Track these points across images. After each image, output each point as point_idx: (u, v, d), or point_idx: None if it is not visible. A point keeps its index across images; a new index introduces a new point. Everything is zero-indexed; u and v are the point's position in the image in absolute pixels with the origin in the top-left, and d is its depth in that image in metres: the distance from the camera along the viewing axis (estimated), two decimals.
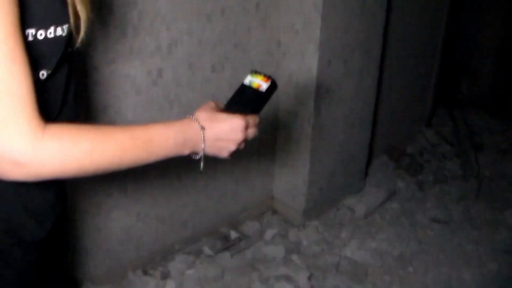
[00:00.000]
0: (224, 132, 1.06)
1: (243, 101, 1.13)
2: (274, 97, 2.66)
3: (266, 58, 2.45)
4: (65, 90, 1.01)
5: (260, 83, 1.14)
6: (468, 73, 4.74)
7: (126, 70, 1.95)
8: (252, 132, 1.11)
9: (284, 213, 2.78)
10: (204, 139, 1.04)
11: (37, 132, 0.81)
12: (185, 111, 2.17)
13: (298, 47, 2.43)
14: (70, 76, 1.02)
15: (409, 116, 3.65)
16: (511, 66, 4.57)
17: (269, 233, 2.64)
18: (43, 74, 0.92)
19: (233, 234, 2.58)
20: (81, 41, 0.95)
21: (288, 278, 2.36)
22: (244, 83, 1.15)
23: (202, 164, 1.08)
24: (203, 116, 1.05)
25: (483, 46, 4.56)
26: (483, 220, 2.92)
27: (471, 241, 2.74)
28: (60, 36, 0.89)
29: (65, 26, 0.89)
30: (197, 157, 1.07)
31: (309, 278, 2.38)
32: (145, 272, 2.29)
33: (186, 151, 1.03)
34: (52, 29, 0.87)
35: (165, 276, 2.30)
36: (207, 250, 2.46)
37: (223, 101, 1.17)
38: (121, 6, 1.85)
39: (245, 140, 1.10)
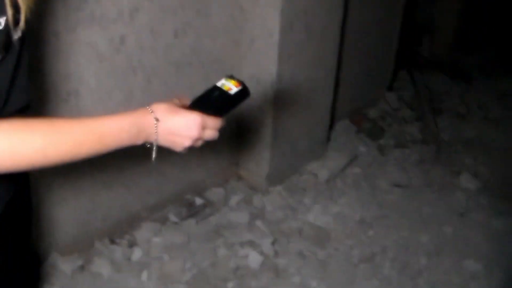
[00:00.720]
0: (178, 126, 1.09)
1: (209, 101, 1.16)
2: (237, 62, 2.75)
3: (229, 24, 2.53)
4: (12, 79, 1.00)
5: (231, 86, 1.17)
6: (429, 36, 4.92)
7: (88, 37, 1.99)
8: (209, 133, 1.14)
9: (248, 179, 2.91)
10: (157, 131, 1.07)
11: None
12: (148, 78, 2.26)
13: (260, 12, 2.51)
14: (19, 62, 1.01)
15: (371, 80, 3.81)
16: (470, 31, 4.78)
17: (233, 199, 2.77)
18: None
19: (198, 201, 2.70)
20: (21, 32, 0.94)
21: (252, 244, 2.51)
22: (216, 85, 1.18)
23: (154, 154, 1.12)
24: (160, 108, 1.08)
25: (444, 9, 4.72)
26: (440, 183, 3.13)
27: (429, 204, 2.95)
28: None
29: (2, 19, 0.88)
30: (150, 146, 1.11)
31: (273, 243, 2.53)
32: (112, 241, 2.39)
33: (139, 142, 1.07)
34: None
35: (131, 244, 2.40)
36: (172, 217, 2.58)
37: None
38: None
39: (201, 139, 1.13)
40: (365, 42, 3.52)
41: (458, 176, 3.19)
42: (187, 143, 1.12)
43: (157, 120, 1.06)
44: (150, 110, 1.07)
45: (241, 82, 1.18)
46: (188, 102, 1.17)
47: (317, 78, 2.87)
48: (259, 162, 2.85)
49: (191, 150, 1.15)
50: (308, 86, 2.83)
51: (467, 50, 4.88)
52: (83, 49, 2.00)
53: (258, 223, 2.65)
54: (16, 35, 0.93)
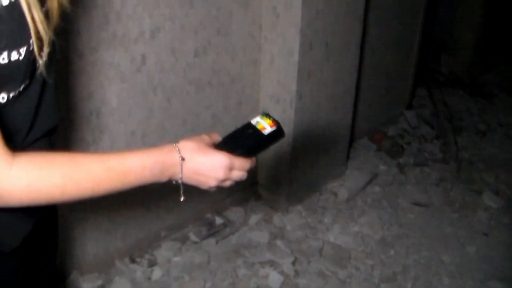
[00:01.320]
0: (204, 167, 1.06)
1: (241, 139, 1.13)
2: (256, 81, 2.77)
3: (248, 42, 2.55)
4: (37, 105, 1.00)
5: (265, 126, 1.13)
6: (448, 53, 4.91)
7: (110, 57, 2.03)
8: (237, 174, 1.10)
9: (268, 198, 2.91)
10: (182, 170, 1.05)
11: (3, 165, 0.84)
12: (168, 97, 2.28)
13: (279, 31, 2.54)
14: (45, 87, 1.01)
15: (390, 98, 3.81)
16: (489, 47, 4.77)
17: (253, 219, 2.77)
18: (3, 97, 0.91)
19: (218, 220, 2.70)
20: (44, 65, 0.93)
21: (272, 263, 2.50)
22: (250, 122, 1.14)
23: (181, 193, 1.11)
24: (187, 146, 1.06)
25: (462, 27, 4.72)
26: (461, 202, 3.10)
27: (450, 223, 2.92)
28: (16, 60, 0.87)
29: (23, 49, 0.87)
30: (176, 184, 1.08)
31: (293, 263, 2.52)
32: (132, 260, 2.40)
33: (164, 179, 1.05)
34: (4, 54, 0.85)
35: (152, 263, 2.41)
36: (192, 236, 2.58)
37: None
38: None
39: (228, 180, 1.10)
40: (384, 60, 3.53)
41: (480, 195, 3.16)
42: (213, 183, 1.09)
43: (182, 159, 1.04)
44: (177, 148, 1.05)
45: (276, 122, 1.14)
46: (219, 138, 1.15)
47: (336, 97, 2.88)
48: (278, 181, 2.85)
49: (220, 189, 1.13)
50: (328, 104, 2.84)
51: (487, 67, 4.86)
52: (105, 69, 2.04)
53: (278, 242, 2.64)
54: (41, 61, 0.93)
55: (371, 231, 2.80)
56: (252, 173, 2.85)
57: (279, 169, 2.82)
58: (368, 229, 2.81)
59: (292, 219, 2.81)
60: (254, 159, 1.14)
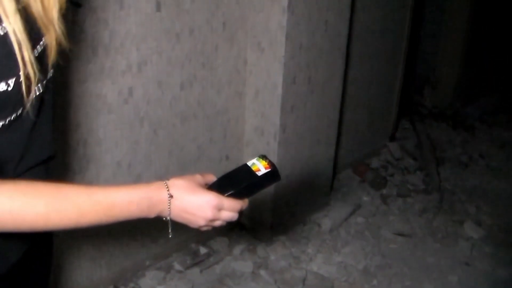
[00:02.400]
0: (192, 205, 1.07)
1: (234, 180, 1.13)
2: (241, 114, 2.83)
3: (233, 76, 2.63)
4: (30, 135, 1.01)
5: (260, 167, 1.13)
6: (431, 87, 5.03)
7: (97, 89, 2.09)
8: (227, 215, 1.11)
9: (252, 228, 2.95)
10: (170, 208, 1.05)
11: None
12: (154, 129, 2.34)
13: (264, 65, 2.62)
14: (40, 117, 1.02)
15: (373, 130, 3.89)
16: (471, 80, 4.89)
17: (237, 249, 2.81)
18: None
19: (202, 250, 2.73)
20: (31, 105, 0.94)
21: None
22: (246, 163, 1.15)
23: (169, 230, 1.11)
24: (177, 184, 1.07)
25: (445, 62, 4.85)
26: (444, 232, 3.16)
27: (433, 253, 2.97)
28: (5, 91, 0.87)
29: (11, 80, 0.87)
30: (166, 220, 1.09)
31: None
32: None
33: (152, 215, 1.05)
34: None
35: None
36: (177, 265, 2.61)
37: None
38: (92, 26, 1.99)
39: (218, 221, 1.11)
40: (367, 93, 3.62)
41: (462, 225, 3.22)
42: (201, 222, 1.09)
43: (171, 196, 1.05)
44: (166, 185, 1.05)
45: (271, 164, 1.14)
46: (213, 179, 1.15)
47: (320, 129, 2.95)
48: (262, 212, 2.90)
49: (213, 229, 1.14)
50: (311, 137, 2.90)
51: (468, 100, 4.98)
52: (92, 101, 2.09)
53: (262, 272, 2.67)
54: (28, 100, 0.93)
55: (354, 261, 2.84)
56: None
57: (263, 199, 2.87)
58: (351, 259, 2.85)
59: (275, 249, 2.84)
60: (246, 200, 1.14)
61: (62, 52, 0.98)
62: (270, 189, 2.80)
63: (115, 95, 2.16)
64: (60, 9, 0.95)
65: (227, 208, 1.10)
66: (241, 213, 1.14)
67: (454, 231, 3.18)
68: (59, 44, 0.96)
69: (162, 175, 2.38)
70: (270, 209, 2.86)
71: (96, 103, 2.11)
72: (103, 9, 2.00)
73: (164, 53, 2.28)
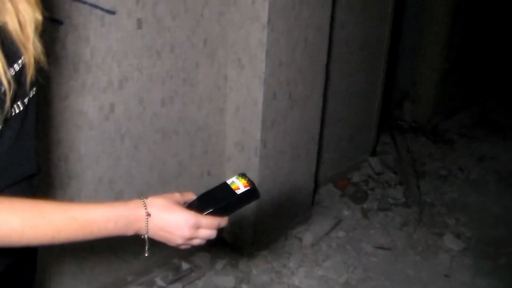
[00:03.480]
0: (169, 224, 1.08)
1: (213, 199, 1.14)
2: (222, 129, 2.85)
3: (214, 92, 2.67)
4: (11, 151, 1.03)
5: (239, 186, 1.14)
6: (411, 101, 5.10)
7: (79, 106, 2.12)
8: (205, 233, 1.11)
9: (234, 243, 2.97)
10: (147, 226, 1.06)
11: None
12: (135, 145, 2.36)
13: (244, 82, 2.66)
14: (21, 133, 1.04)
15: (354, 144, 3.94)
16: (450, 94, 4.98)
17: (219, 264, 2.82)
18: None
19: (185, 265, 2.75)
20: (22, 106, 0.99)
21: None
22: (226, 182, 1.16)
23: (146, 249, 1.11)
24: (155, 202, 1.08)
25: (424, 76, 4.93)
26: (424, 245, 3.21)
27: (413, 266, 3.02)
28: None
29: None
30: (144, 239, 1.09)
31: None
32: None
33: (129, 233, 1.06)
34: None
35: None
36: (159, 281, 2.62)
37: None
38: (73, 43, 2.02)
39: (197, 239, 1.11)
40: (347, 108, 3.67)
41: (441, 238, 3.27)
42: (179, 241, 1.10)
43: (148, 215, 1.06)
44: (144, 203, 1.07)
45: (251, 183, 1.15)
46: (192, 197, 1.16)
47: (300, 144, 2.99)
48: (244, 227, 2.92)
49: (194, 247, 1.15)
50: (292, 152, 2.94)
51: (447, 115, 5.06)
52: (74, 117, 2.11)
53: (244, 287, 2.69)
54: (13, 110, 0.97)
55: (335, 275, 2.87)
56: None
57: (245, 214, 2.89)
58: (333, 273, 2.89)
59: (257, 264, 2.87)
60: (226, 218, 1.15)
61: (41, 70, 1.02)
62: (251, 204, 2.81)
63: (96, 111, 2.18)
64: (36, 28, 0.99)
65: (205, 226, 1.10)
66: (220, 230, 1.16)
67: (434, 243, 3.23)
68: (37, 62, 0.99)
69: (144, 191, 2.40)
70: (251, 223, 2.88)
71: (77, 119, 2.13)
72: (85, 26, 2.04)
73: (145, 70, 2.31)
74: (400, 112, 5.14)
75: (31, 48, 0.97)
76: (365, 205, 3.58)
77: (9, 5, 0.94)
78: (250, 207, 2.82)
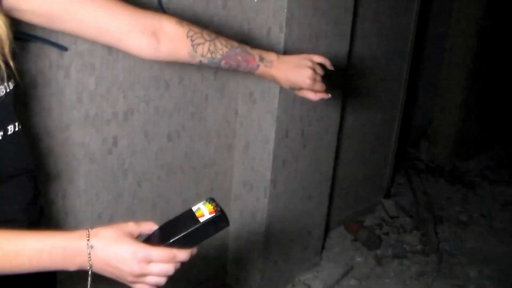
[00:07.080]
0: (115, 258, 1.01)
1: (175, 228, 1.07)
2: (229, 167, 2.84)
3: (223, 127, 2.68)
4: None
5: (204, 212, 1.08)
6: (428, 140, 5.11)
7: (80, 137, 2.12)
8: (158, 268, 1.03)
9: None
10: (91, 260, 1.00)
11: None
12: (138, 181, 2.36)
13: (255, 117, 2.68)
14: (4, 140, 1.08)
15: (368, 186, 3.94)
16: (471, 132, 4.99)
17: None
18: None
19: None
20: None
21: None
22: (191, 208, 1.10)
23: (89, 284, 1.04)
24: (102, 233, 1.01)
25: (443, 114, 4.95)
26: None
27: None
28: None
29: None
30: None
31: None
32: None
33: (72, 267, 1.00)
34: None
35: None
36: None
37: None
38: (78, 71, 2.03)
39: (152, 275, 1.04)
40: (362, 147, 3.68)
41: None
42: (129, 278, 1.03)
43: (91, 247, 0.99)
44: (87, 234, 1.01)
45: (218, 209, 1.08)
46: (152, 227, 1.11)
47: (312, 185, 2.99)
48: (250, 271, 2.90)
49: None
50: (303, 192, 2.94)
51: (468, 155, 5.05)
52: (74, 149, 2.11)
53: None
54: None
55: None
56: (222, 261, 2.91)
57: (251, 258, 2.88)
58: None
59: None
60: (187, 250, 1.06)
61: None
62: (259, 248, 2.82)
63: (99, 144, 2.19)
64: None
65: (157, 260, 1.03)
66: (184, 264, 1.07)
67: None
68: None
69: None
70: (258, 268, 2.86)
71: (78, 152, 2.13)
72: (91, 53, 2.05)
73: (152, 102, 2.32)
74: (416, 151, 5.15)
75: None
76: (378, 252, 3.56)
77: None
78: (257, 251, 2.81)
